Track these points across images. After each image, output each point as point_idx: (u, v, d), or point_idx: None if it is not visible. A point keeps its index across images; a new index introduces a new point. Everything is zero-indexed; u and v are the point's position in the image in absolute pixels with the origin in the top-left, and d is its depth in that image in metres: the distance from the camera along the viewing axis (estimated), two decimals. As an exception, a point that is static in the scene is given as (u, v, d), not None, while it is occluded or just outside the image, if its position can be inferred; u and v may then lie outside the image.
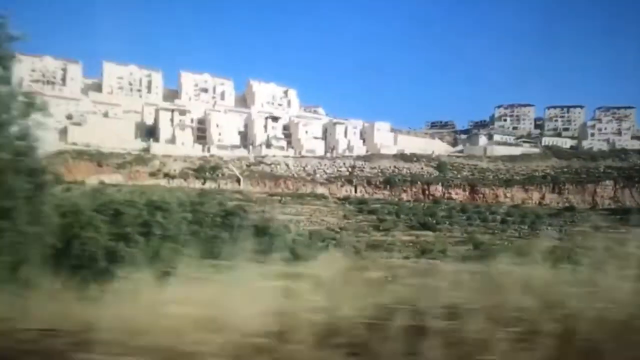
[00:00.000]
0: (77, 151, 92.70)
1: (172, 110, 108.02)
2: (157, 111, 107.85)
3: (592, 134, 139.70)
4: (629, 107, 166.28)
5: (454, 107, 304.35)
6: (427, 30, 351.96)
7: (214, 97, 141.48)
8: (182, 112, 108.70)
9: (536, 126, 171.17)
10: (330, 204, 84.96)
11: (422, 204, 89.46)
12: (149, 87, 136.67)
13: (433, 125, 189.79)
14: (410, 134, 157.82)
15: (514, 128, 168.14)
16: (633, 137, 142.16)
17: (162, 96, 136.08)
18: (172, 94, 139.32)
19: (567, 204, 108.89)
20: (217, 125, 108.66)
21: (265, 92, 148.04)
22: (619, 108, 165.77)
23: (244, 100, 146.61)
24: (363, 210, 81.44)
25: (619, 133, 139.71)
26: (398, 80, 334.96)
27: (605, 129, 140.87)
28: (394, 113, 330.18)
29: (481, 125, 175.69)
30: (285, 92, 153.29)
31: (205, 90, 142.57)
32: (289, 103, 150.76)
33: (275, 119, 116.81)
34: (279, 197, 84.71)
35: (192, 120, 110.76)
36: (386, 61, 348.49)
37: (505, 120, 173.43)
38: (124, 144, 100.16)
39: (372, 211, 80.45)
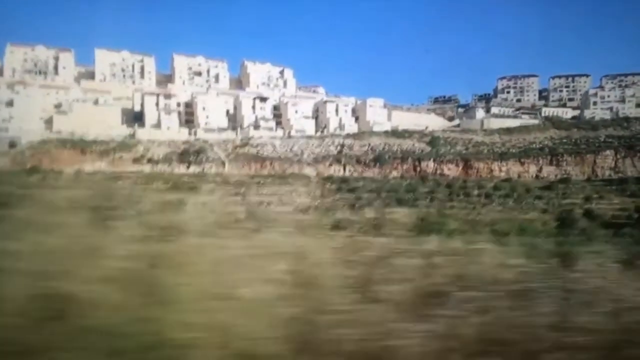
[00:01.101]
0: (61, 140, 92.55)
1: (157, 95, 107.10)
2: (142, 96, 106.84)
3: (595, 103, 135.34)
4: (637, 74, 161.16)
5: (461, 81, 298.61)
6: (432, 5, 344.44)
7: (207, 80, 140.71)
8: (167, 96, 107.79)
9: (541, 97, 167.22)
10: (312, 183, 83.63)
11: (407, 181, 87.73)
12: (141, 73, 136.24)
13: (436, 100, 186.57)
14: (411, 110, 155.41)
15: (518, 100, 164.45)
16: (639, 105, 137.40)
17: (155, 81, 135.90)
18: (166, 79, 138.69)
19: (565, 176, 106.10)
20: (204, 108, 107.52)
21: (260, 73, 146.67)
22: (626, 75, 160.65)
23: (239, 82, 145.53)
24: (343, 189, 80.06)
25: (623, 101, 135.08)
26: (401, 56, 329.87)
27: (609, 97, 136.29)
28: (398, 90, 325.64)
29: (485, 98, 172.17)
30: (281, 72, 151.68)
31: (199, 74, 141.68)
32: (285, 83, 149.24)
33: (263, 99, 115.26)
34: (259, 179, 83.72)
35: (178, 104, 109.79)
36: (390, 38, 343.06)
37: (508, 92, 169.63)
38: (110, 130, 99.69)
39: (352, 189, 79.02)
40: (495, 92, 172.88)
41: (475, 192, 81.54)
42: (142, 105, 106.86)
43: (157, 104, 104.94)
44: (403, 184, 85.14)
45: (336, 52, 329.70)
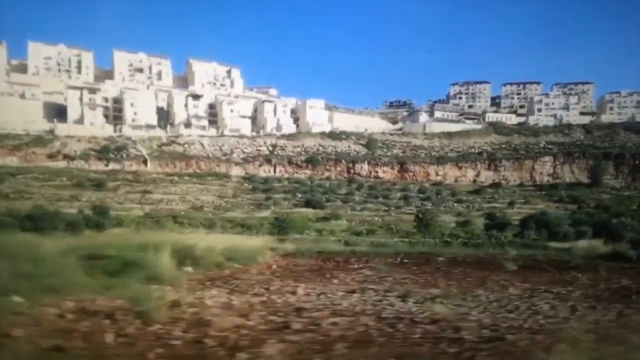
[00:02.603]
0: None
1: (81, 89, 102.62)
2: (67, 90, 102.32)
3: (539, 110, 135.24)
4: (587, 83, 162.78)
5: (420, 87, 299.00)
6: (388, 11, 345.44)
7: (149, 77, 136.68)
8: (92, 91, 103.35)
9: (493, 104, 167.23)
10: (230, 183, 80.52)
11: (330, 182, 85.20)
12: (78, 68, 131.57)
13: (391, 105, 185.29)
14: (363, 114, 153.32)
15: (470, 106, 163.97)
16: (583, 113, 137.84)
17: (93, 77, 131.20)
18: (106, 75, 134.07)
19: (502, 181, 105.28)
20: (132, 105, 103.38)
21: (206, 72, 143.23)
22: (575, 84, 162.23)
23: (184, 81, 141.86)
24: (258, 188, 76.97)
25: (567, 108, 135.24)
26: (359, 60, 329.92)
27: (553, 104, 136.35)
28: (355, 93, 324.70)
29: (439, 103, 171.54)
30: (228, 72, 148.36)
31: (141, 70, 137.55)
32: (232, 83, 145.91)
33: (197, 97, 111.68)
34: (176, 177, 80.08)
35: (106, 100, 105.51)
36: (347, 41, 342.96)
37: (460, 98, 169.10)
38: (31, 125, 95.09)
39: (268, 189, 75.95)
40: (448, 98, 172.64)
41: (398, 194, 79.32)
42: (66, 99, 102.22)
43: (80, 99, 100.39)
44: (325, 185, 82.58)
45: (294, 55, 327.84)
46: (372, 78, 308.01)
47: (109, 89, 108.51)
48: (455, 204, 75.06)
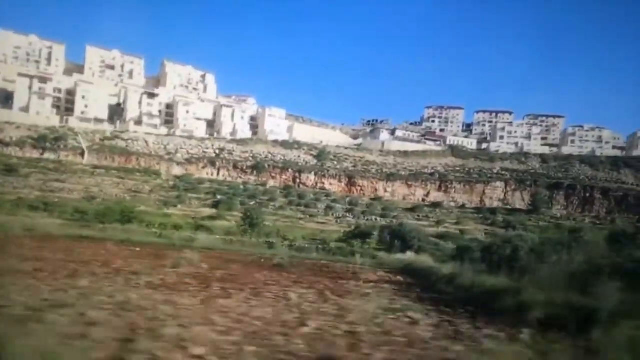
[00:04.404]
0: None
1: (32, 77, 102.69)
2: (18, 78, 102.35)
3: (502, 137, 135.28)
4: (558, 116, 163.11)
5: (403, 108, 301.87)
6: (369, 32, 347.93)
7: (120, 75, 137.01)
8: (43, 80, 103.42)
9: (466, 130, 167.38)
10: (156, 180, 79.99)
11: (257, 188, 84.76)
12: (49, 60, 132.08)
13: (368, 122, 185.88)
14: (334, 129, 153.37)
15: (442, 130, 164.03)
16: (547, 144, 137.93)
17: (63, 69, 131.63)
18: (77, 69, 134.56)
19: (452, 203, 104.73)
20: (84, 97, 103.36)
21: (180, 75, 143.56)
22: (547, 116, 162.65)
23: (157, 82, 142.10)
24: (179, 187, 76.41)
25: (529, 137, 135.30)
26: (344, 78, 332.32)
27: (515, 132, 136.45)
28: (338, 110, 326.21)
29: (416, 124, 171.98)
30: (203, 77, 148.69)
31: (112, 67, 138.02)
32: (205, 88, 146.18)
33: (152, 95, 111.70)
34: (102, 170, 79.53)
35: (59, 91, 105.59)
36: (336, 56, 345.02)
37: (433, 121, 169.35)
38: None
39: (189, 189, 75.43)
40: (422, 120, 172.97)
41: (323, 205, 78.63)
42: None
43: (30, 87, 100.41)
44: (257, 190, 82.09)
45: (286, 69, 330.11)
46: (360, 96, 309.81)
47: (64, 80, 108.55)
48: (379, 218, 74.25)
